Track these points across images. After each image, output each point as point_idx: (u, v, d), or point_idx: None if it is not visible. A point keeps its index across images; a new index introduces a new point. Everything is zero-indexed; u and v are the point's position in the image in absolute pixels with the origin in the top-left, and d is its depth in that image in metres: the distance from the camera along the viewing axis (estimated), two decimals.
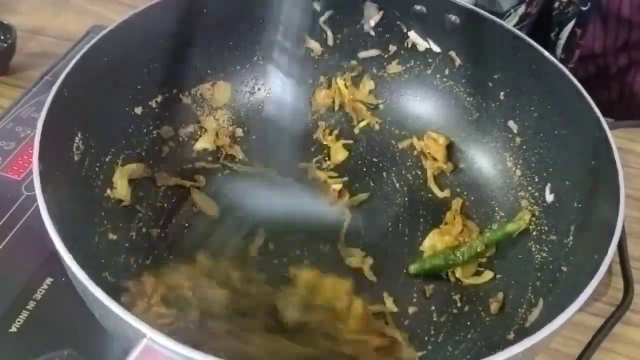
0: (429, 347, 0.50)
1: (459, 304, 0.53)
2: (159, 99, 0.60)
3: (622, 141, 0.71)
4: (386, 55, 0.65)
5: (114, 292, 0.40)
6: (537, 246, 0.54)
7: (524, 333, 0.38)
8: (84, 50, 0.51)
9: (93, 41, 0.52)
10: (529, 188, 0.57)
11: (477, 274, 0.55)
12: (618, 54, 0.82)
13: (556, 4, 0.75)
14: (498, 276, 0.55)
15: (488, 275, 0.54)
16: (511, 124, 0.60)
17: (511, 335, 0.48)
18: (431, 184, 0.61)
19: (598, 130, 0.50)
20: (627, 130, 0.73)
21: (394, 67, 0.65)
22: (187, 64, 0.61)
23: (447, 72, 0.63)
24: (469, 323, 0.52)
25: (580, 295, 0.38)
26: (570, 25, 0.76)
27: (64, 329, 0.49)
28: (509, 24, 0.59)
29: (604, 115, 0.51)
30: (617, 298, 0.57)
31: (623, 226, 0.61)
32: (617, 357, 0.54)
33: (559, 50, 0.78)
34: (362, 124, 0.65)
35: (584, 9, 0.75)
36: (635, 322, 0.56)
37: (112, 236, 0.53)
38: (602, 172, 0.49)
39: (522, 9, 0.74)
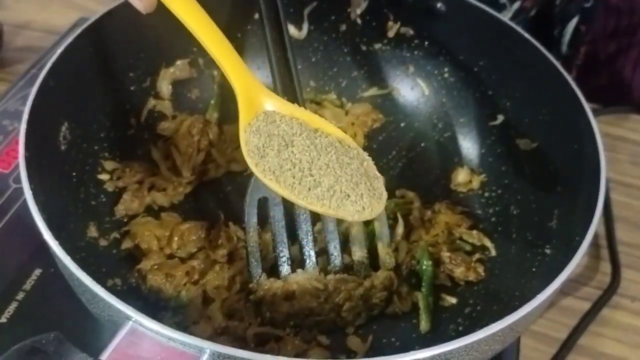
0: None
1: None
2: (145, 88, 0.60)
3: (610, 127, 0.72)
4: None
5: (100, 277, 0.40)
6: (522, 230, 0.55)
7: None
8: (69, 40, 0.51)
9: (78, 31, 0.52)
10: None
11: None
12: (607, 41, 0.82)
13: (557, 1, 0.75)
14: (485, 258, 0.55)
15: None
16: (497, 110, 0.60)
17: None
18: None
19: (581, 116, 0.50)
20: (615, 117, 0.73)
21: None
22: (171, 54, 0.61)
23: (432, 58, 0.64)
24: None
25: (558, 276, 0.39)
26: (573, 22, 0.76)
27: (53, 319, 0.50)
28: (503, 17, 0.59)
29: (593, 101, 0.51)
30: (606, 283, 0.58)
31: (611, 211, 0.62)
32: (604, 340, 0.54)
33: (563, 48, 0.78)
34: None
35: (586, 5, 0.75)
36: (623, 305, 0.57)
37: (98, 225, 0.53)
38: (585, 156, 0.49)
39: (517, 4, 0.74)
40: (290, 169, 0.43)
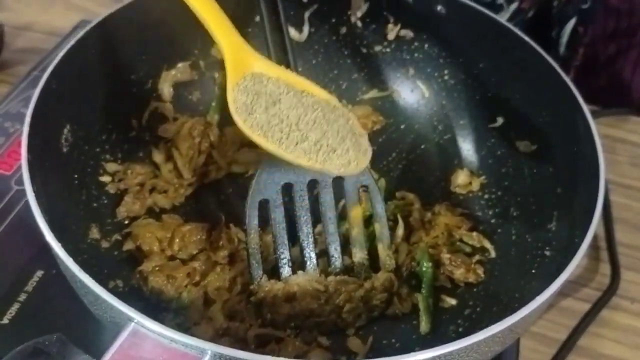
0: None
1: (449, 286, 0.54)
2: (146, 91, 0.60)
3: (610, 129, 0.72)
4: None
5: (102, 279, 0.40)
6: (521, 232, 0.55)
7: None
8: (72, 42, 0.51)
9: (80, 34, 0.52)
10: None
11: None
12: (606, 42, 0.82)
13: (555, 2, 0.75)
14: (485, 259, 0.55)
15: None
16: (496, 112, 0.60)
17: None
18: None
19: (580, 118, 0.51)
20: (614, 118, 0.73)
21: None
22: (172, 57, 0.61)
23: (432, 60, 0.64)
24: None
25: (557, 278, 0.39)
26: (571, 24, 0.76)
27: (55, 320, 0.50)
28: (501, 19, 0.59)
29: (593, 103, 0.51)
30: (605, 284, 0.58)
31: (611, 213, 0.63)
32: (604, 341, 0.55)
33: (561, 49, 0.78)
34: None
35: (584, 7, 0.75)
36: (623, 307, 0.57)
37: (100, 227, 0.53)
38: (584, 158, 0.49)
39: (515, 5, 0.74)
40: (277, 124, 0.44)
